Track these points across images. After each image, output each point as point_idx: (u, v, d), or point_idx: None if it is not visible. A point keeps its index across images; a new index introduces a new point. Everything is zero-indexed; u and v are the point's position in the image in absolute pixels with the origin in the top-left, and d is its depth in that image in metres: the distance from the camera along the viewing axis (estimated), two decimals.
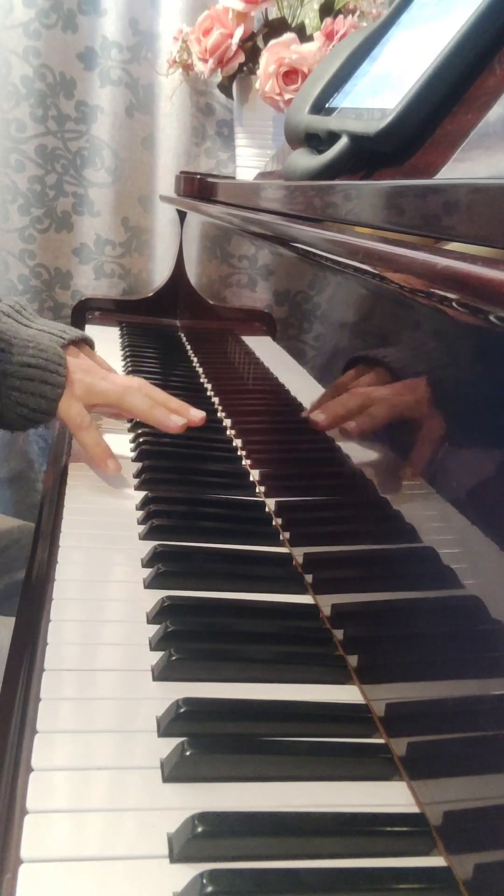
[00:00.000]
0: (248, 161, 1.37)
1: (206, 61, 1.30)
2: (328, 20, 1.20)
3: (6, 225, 1.62)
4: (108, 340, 1.34)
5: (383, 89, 0.65)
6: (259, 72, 1.22)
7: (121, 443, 0.85)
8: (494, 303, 0.32)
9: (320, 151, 0.69)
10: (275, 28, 1.27)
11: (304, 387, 0.71)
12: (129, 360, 1.20)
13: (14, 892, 0.33)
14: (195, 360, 1.26)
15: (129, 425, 0.92)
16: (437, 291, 0.37)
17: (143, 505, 0.71)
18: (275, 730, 0.44)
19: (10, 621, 0.61)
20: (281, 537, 0.68)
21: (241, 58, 1.29)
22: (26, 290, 1.67)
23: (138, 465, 0.78)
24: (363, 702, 0.48)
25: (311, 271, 0.69)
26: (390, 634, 0.49)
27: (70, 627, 0.52)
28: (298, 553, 0.65)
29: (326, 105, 0.75)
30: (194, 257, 1.38)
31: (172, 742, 0.42)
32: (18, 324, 0.79)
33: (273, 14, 1.30)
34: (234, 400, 1.00)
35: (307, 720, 0.45)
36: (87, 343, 0.87)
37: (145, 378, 1.09)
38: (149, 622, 0.53)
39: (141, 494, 0.72)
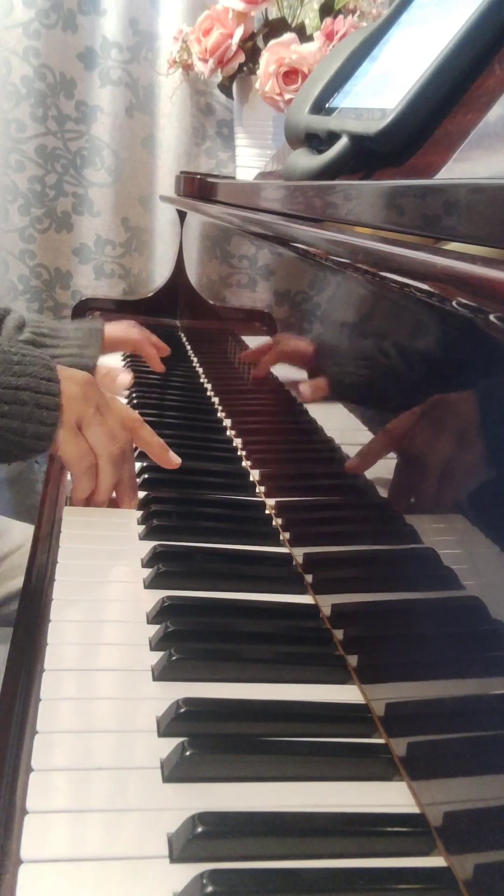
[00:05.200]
0: (248, 161, 1.37)
1: (206, 61, 1.30)
2: (328, 20, 1.20)
3: (6, 225, 1.62)
4: None
5: (383, 89, 0.65)
6: (259, 72, 1.22)
7: None
8: (494, 303, 0.32)
9: (320, 151, 0.69)
10: (275, 28, 1.27)
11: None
12: (129, 360, 1.20)
13: (14, 892, 0.33)
14: (195, 360, 1.26)
15: None
16: (436, 291, 0.37)
17: (144, 505, 0.71)
18: (275, 730, 0.44)
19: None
20: (281, 537, 0.68)
21: (241, 58, 1.29)
22: (26, 290, 1.67)
23: (139, 465, 0.78)
24: (363, 702, 0.48)
25: (311, 271, 0.69)
26: (390, 634, 0.49)
27: (70, 627, 0.52)
28: (298, 553, 0.65)
29: (326, 105, 0.74)
30: (194, 257, 1.38)
31: (172, 742, 0.42)
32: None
33: (273, 14, 1.30)
34: (234, 400, 1.00)
35: (307, 720, 0.45)
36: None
37: (145, 378, 1.10)
38: (149, 622, 0.53)
39: (141, 494, 0.72)
